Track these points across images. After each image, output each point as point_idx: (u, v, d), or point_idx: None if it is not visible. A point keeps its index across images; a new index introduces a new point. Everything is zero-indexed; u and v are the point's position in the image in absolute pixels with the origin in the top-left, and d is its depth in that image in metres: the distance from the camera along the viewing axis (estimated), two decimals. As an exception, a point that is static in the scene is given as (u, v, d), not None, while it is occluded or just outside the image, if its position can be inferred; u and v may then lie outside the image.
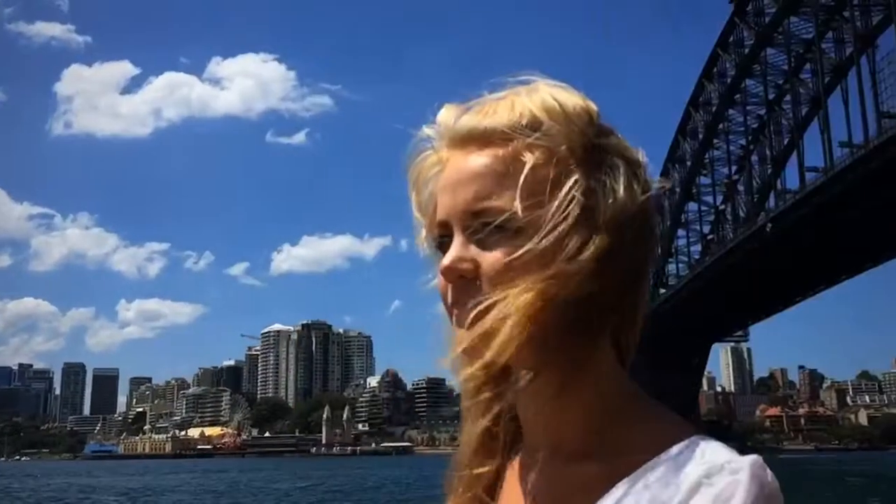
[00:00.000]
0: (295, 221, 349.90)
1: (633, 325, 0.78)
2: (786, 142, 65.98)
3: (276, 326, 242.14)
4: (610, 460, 0.72)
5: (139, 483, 55.82)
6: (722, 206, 78.33)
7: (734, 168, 75.75)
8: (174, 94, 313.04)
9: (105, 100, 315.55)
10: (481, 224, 0.74)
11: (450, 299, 0.76)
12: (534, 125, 0.75)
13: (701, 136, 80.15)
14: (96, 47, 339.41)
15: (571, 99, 0.77)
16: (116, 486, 52.44)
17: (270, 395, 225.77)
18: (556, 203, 0.72)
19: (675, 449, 0.70)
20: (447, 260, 0.75)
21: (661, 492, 0.68)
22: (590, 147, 0.75)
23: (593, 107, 0.78)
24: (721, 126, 77.10)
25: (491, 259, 0.73)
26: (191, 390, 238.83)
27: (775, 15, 63.19)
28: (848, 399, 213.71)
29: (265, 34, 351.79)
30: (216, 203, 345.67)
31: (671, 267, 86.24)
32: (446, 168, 0.79)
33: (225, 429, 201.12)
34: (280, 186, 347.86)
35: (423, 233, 0.83)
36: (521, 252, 0.72)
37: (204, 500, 39.20)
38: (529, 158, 0.74)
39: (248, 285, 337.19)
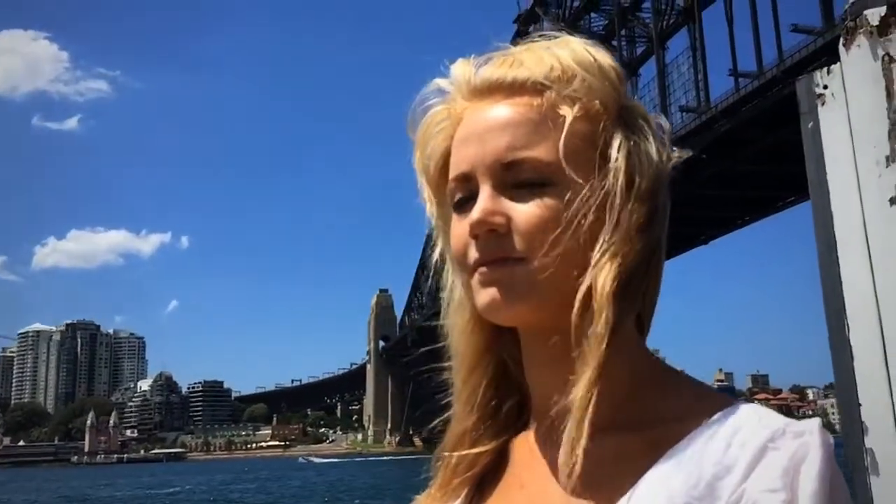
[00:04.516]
0: (63, 213, 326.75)
1: (654, 298, 0.75)
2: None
3: (37, 326, 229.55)
4: (649, 429, 0.68)
5: None
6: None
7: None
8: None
9: None
10: (513, 176, 0.70)
11: (475, 256, 0.70)
12: (567, 77, 0.71)
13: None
14: None
15: (602, 55, 0.74)
16: None
17: (27, 400, 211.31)
18: (611, 164, 0.70)
19: (720, 414, 0.66)
20: (477, 213, 0.69)
21: (721, 457, 0.63)
22: (621, 106, 0.73)
23: (619, 67, 0.74)
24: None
25: (525, 213, 0.68)
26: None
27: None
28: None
29: (35, 10, 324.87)
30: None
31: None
32: (466, 119, 0.74)
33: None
34: (46, 175, 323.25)
35: (427, 192, 0.78)
36: (577, 213, 0.68)
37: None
38: (567, 112, 0.70)
39: (5, 280, 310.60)
